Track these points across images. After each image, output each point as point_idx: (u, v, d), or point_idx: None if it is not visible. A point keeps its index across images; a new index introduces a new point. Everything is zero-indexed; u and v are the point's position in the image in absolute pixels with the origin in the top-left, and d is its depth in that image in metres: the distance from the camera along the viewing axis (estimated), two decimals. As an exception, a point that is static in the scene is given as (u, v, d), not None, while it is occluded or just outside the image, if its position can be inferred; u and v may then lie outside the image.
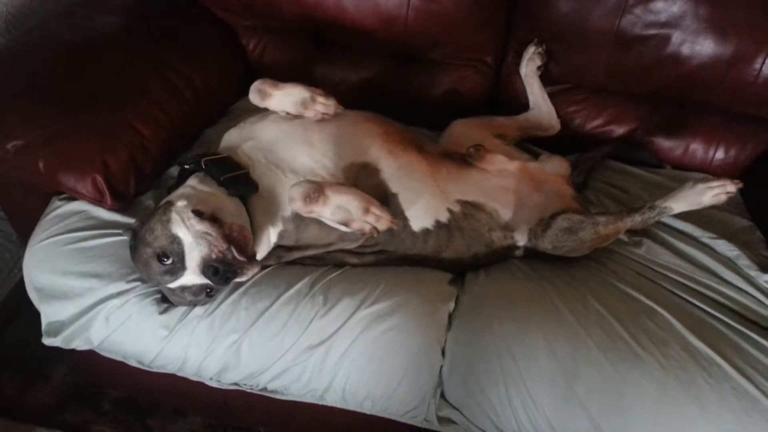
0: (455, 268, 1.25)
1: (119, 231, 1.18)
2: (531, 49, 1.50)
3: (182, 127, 1.39)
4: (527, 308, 1.12)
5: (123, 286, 1.14)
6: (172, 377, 1.27)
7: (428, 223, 1.21)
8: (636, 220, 1.19)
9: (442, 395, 1.17)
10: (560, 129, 1.54)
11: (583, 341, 1.07)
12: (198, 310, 1.14)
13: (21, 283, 1.24)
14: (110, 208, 1.22)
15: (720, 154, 1.53)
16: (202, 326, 1.14)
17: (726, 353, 1.05)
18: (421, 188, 1.21)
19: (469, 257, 1.25)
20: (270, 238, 1.15)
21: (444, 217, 1.22)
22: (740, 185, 1.15)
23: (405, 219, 1.19)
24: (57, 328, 1.18)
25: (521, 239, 1.26)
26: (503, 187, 1.28)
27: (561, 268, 1.22)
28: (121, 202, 1.23)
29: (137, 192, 1.27)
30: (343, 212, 1.06)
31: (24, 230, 1.29)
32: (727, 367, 1.03)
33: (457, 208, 1.23)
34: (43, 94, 1.21)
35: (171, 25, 1.50)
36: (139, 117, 1.28)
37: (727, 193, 1.15)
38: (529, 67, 1.50)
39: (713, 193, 1.16)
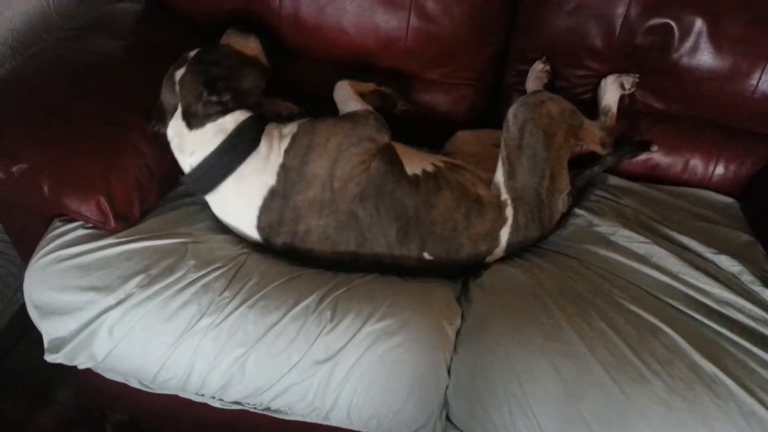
0: (451, 233, 1.26)
1: (115, 242, 1.20)
2: (538, 67, 1.51)
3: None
4: (532, 330, 1.12)
5: (121, 295, 1.15)
6: (175, 400, 1.26)
7: (417, 170, 1.29)
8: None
9: (448, 417, 1.16)
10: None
11: (588, 363, 1.06)
12: (204, 322, 1.14)
13: (25, 307, 1.25)
14: (113, 230, 1.22)
15: (720, 170, 1.54)
16: (208, 338, 1.14)
17: (732, 372, 1.05)
18: (405, 150, 1.34)
19: (462, 218, 1.26)
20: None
21: (430, 168, 1.31)
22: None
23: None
24: (59, 345, 1.19)
25: (503, 191, 1.30)
26: (486, 156, 1.40)
27: (565, 283, 1.22)
28: (124, 224, 1.23)
29: (142, 213, 1.28)
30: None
31: (27, 253, 1.29)
32: (733, 387, 1.03)
33: (441, 164, 1.34)
34: (47, 117, 1.22)
35: (172, 46, 1.50)
36: (142, 139, 1.29)
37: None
38: (535, 86, 1.51)
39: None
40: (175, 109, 1.25)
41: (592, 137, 1.45)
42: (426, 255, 1.27)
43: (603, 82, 1.49)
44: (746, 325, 1.14)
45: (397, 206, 1.24)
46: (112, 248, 1.19)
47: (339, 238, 1.24)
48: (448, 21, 1.48)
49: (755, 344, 1.10)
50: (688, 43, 1.40)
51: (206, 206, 1.33)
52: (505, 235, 1.31)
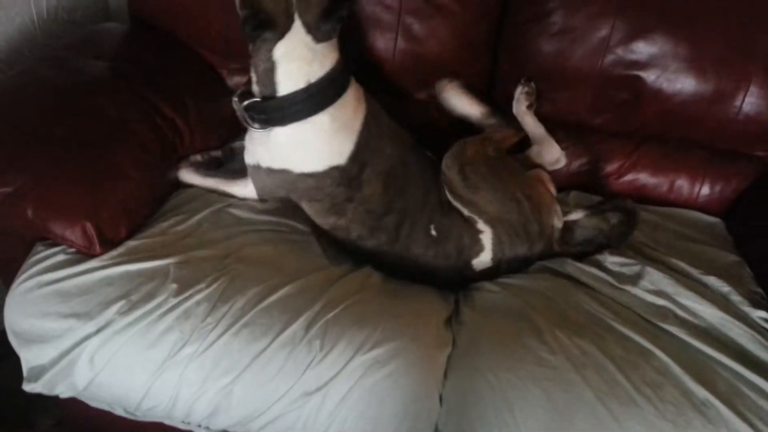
0: (448, 212, 1.33)
1: (97, 267, 1.17)
2: (518, 89, 1.52)
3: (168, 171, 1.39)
4: (523, 355, 1.10)
5: (101, 322, 1.12)
6: (161, 428, 1.24)
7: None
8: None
9: (439, 446, 1.15)
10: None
11: (578, 389, 1.05)
12: (187, 350, 1.12)
13: (5, 332, 1.22)
14: (98, 255, 1.20)
15: (705, 190, 1.55)
16: (192, 366, 1.12)
17: (724, 396, 1.04)
18: None
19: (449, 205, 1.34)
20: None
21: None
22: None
23: None
24: (38, 373, 1.16)
25: (464, 210, 1.34)
26: None
27: (557, 306, 1.20)
28: (110, 248, 1.21)
29: (128, 236, 1.25)
30: None
31: (8, 277, 1.26)
32: (725, 411, 1.02)
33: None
34: (31, 140, 1.20)
35: (157, 67, 1.50)
36: (128, 161, 1.27)
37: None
38: (518, 107, 1.53)
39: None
40: (291, 20, 1.12)
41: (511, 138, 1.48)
42: (432, 229, 1.31)
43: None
44: (737, 348, 1.14)
45: (422, 166, 1.34)
46: (93, 273, 1.17)
47: (387, 186, 1.28)
48: (435, 43, 1.49)
49: (747, 367, 1.09)
50: (672, 67, 1.42)
51: (189, 218, 1.32)
52: (487, 241, 1.32)
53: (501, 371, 1.09)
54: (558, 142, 1.58)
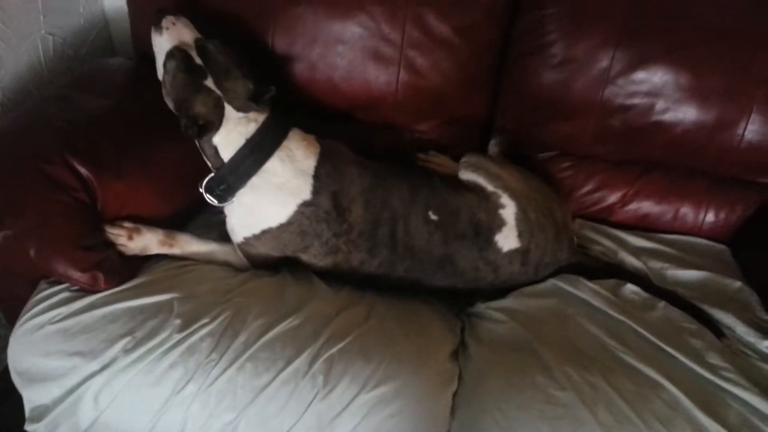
0: (449, 195, 1.35)
1: (100, 303, 1.17)
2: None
3: (172, 208, 1.39)
4: (532, 392, 1.09)
5: (105, 360, 1.11)
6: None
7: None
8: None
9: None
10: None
11: (589, 426, 1.04)
12: (191, 387, 1.11)
13: (7, 371, 1.21)
14: (102, 290, 1.20)
15: (710, 217, 1.55)
16: (196, 403, 1.10)
17: (734, 429, 1.03)
18: None
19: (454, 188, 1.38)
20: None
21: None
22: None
23: None
24: (41, 413, 1.14)
25: (488, 186, 1.36)
26: None
27: (567, 338, 1.19)
28: (114, 284, 1.21)
29: (131, 274, 1.25)
30: None
31: (13, 314, 1.26)
32: (736, 446, 1.01)
33: None
34: (32, 180, 1.19)
35: (158, 104, 1.49)
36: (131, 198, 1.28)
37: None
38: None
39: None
40: (223, 110, 1.24)
41: None
42: (431, 214, 1.31)
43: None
44: (747, 380, 1.12)
45: (404, 171, 1.39)
46: (97, 310, 1.17)
47: (369, 203, 1.30)
48: (437, 75, 1.50)
49: (757, 397, 1.08)
50: (674, 96, 1.42)
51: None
52: (510, 216, 1.31)
53: (509, 409, 1.07)
54: (560, 171, 1.60)
